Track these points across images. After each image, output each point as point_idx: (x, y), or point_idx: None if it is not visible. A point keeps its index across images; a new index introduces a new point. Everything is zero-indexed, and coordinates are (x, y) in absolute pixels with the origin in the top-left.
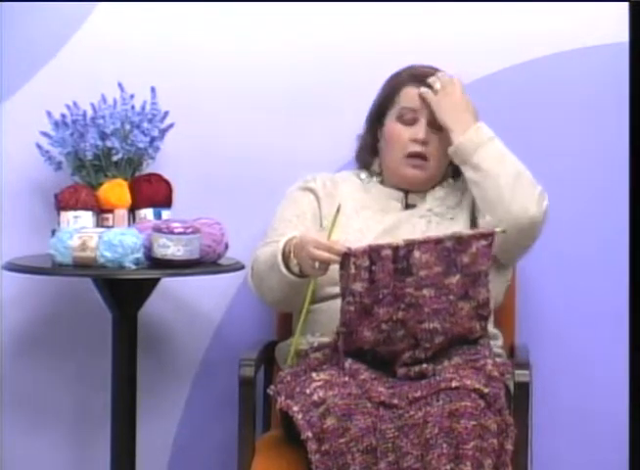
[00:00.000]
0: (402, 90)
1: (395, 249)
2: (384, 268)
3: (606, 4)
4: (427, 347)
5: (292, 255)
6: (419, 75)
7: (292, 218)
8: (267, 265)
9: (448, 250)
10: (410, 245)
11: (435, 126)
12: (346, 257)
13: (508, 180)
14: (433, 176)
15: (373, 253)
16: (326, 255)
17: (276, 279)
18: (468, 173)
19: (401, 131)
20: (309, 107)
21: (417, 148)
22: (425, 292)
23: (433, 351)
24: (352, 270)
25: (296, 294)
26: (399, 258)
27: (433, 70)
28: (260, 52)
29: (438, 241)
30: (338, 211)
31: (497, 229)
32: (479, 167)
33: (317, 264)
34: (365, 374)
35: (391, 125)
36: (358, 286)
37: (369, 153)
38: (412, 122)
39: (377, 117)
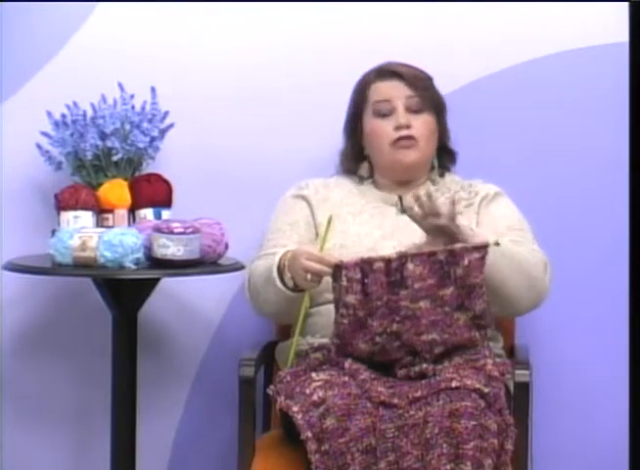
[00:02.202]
0: (371, 88)
1: (388, 261)
2: (376, 281)
3: (606, 4)
4: (426, 357)
5: (286, 269)
6: (382, 69)
7: (285, 228)
8: (263, 279)
9: (441, 262)
10: (403, 257)
11: (413, 110)
12: (338, 269)
13: (524, 288)
14: (426, 157)
15: (365, 265)
16: (317, 266)
17: (272, 292)
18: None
19: (381, 124)
20: (310, 107)
21: (402, 132)
22: (421, 304)
23: (433, 359)
24: (344, 283)
25: (291, 308)
26: (392, 271)
27: (397, 64)
28: (260, 52)
29: (431, 254)
30: (329, 222)
31: (491, 242)
32: (496, 286)
33: (309, 276)
34: (365, 374)
35: (370, 123)
36: (351, 298)
37: (353, 160)
38: (390, 113)
39: (354, 124)
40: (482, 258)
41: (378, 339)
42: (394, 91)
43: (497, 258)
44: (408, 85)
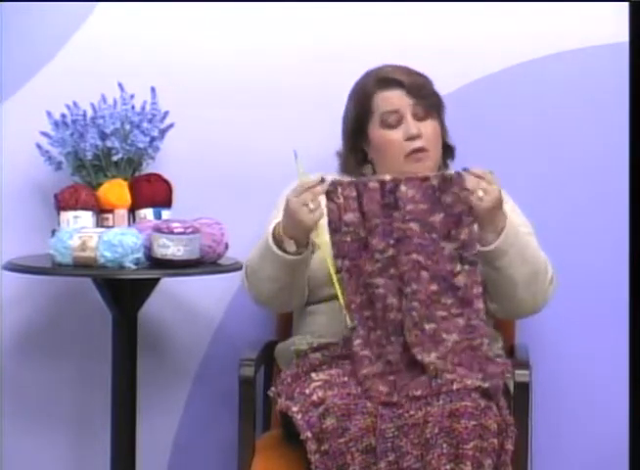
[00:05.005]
0: (376, 97)
1: (382, 183)
2: (372, 200)
3: (606, 4)
4: (414, 288)
5: (281, 232)
6: (383, 78)
7: None
8: (259, 257)
9: (433, 188)
10: (397, 180)
11: (419, 117)
12: (333, 186)
13: (524, 281)
14: (436, 162)
15: (360, 184)
16: (309, 184)
17: (270, 265)
18: (486, 269)
19: (391, 136)
20: (310, 107)
21: (415, 144)
22: (412, 225)
23: (420, 296)
24: (341, 200)
25: (292, 281)
26: (386, 193)
27: (395, 68)
28: (260, 52)
29: (425, 178)
30: (296, 157)
31: (486, 171)
32: (499, 270)
33: (311, 204)
34: (369, 368)
35: (378, 134)
36: (350, 216)
37: (356, 163)
38: (398, 124)
39: (356, 130)
40: None
41: (377, 256)
42: (401, 101)
43: (512, 240)
44: (411, 94)
